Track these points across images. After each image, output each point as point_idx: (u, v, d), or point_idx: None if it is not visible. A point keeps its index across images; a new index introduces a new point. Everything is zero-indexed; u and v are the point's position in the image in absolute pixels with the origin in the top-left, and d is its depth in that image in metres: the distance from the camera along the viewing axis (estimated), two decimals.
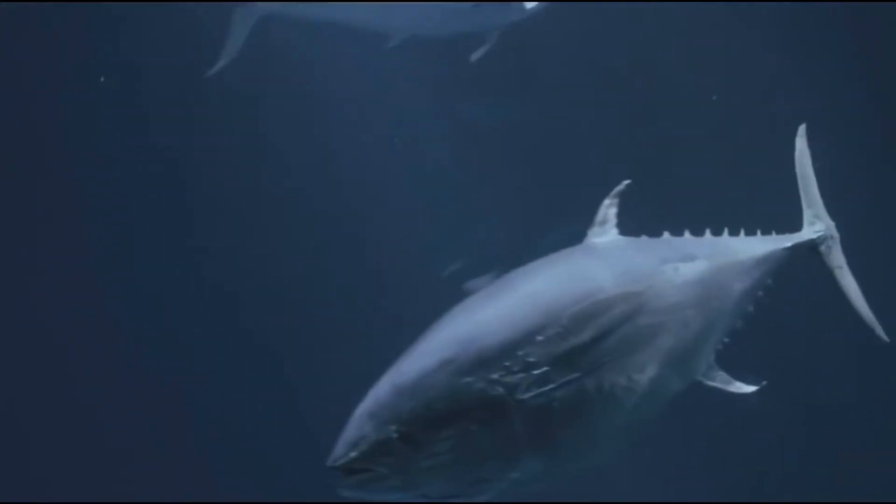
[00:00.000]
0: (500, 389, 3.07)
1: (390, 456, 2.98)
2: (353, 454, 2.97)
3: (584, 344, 3.21)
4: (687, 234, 3.85)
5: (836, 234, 4.38)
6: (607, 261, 3.51)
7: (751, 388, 3.65)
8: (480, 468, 3.08)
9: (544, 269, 3.44)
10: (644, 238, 3.76)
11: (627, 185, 3.72)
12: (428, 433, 3.00)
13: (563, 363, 3.16)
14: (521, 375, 3.09)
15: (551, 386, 3.12)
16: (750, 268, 3.87)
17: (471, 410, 3.03)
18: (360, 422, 3.03)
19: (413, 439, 2.98)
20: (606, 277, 3.38)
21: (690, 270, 3.61)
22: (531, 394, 3.10)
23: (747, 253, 3.90)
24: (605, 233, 3.66)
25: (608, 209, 3.70)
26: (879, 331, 4.32)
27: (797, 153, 4.47)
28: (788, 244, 4.12)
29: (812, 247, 4.30)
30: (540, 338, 3.15)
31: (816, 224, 4.35)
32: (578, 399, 3.18)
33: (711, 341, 3.70)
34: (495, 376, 3.07)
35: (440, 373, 3.05)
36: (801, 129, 4.48)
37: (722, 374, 3.70)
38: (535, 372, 3.11)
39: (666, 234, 3.79)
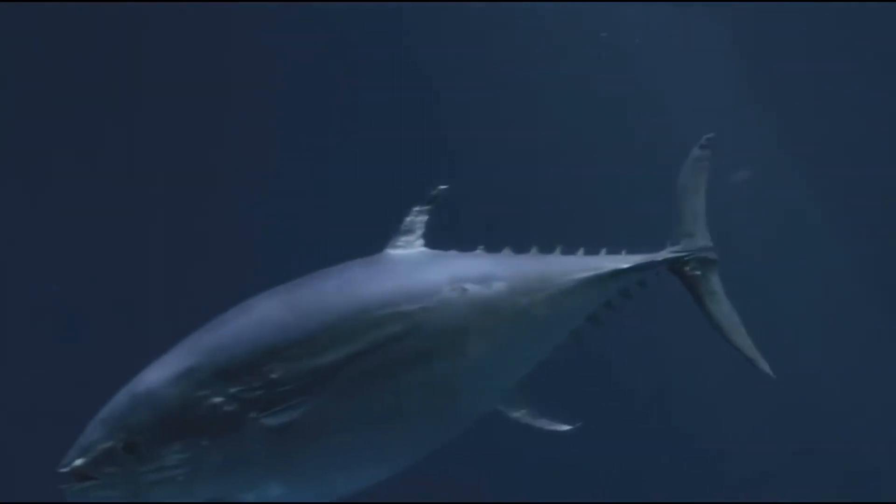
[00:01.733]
0: (236, 406, 2.90)
1: (115, 466, 2.86)
2: (79, 461, 2.87)
3: (339, 363, 3.00)
4: (507, 251, 3.50)
5: (712, 257, 3.85)
6: (390, 275, 3.26)
7: (564, 427, 3.32)
8: (213, 486, 2.92)
9: (318, 281, 3.22)
10: (452, 253, 3.44)
11: (441, 192, 3.43)
12: (154, 446, 2.86)
13: (311, 382, 2.96)
14: (260, 392, 2.92)
15: (292, 405, 2.93)
16: (569, 293, 3.47)
17: (202, 426, 2.88)
18: (92, 428, 2.93)
19: (138, 450, 2.86)
20: (380, 293, 3.15)
21: (482, 293, 3.28)
22: (269, 412, 2.92)
23: (570, 276, 3.48)
24: (408, 244, 3.38)
25: (416, 217, 3.41)
26: (763, 365, 3.74)
27: (691, 163, 3.94)
28: (625, 266, 3.62)
29: (672, 269, 3.79)
30: (289, 353, 2.96)
31: (682, 243, 3.83)
32: (323, 422, 2.98)
33: (507, 370, 3.37)
34: (233, 391, 2.91)
35: (176, 384, 2.91)
36: (705, 139, 3.96)
37: (528, 407, 3.37)
38: (278, 390, 2.93)
39: (479, 250, 3.47)
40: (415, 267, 3.31)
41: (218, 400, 2.90)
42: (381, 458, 3.15)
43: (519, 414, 3.36)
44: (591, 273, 3.53)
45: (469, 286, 3.26)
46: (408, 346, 3.10)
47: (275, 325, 3.02)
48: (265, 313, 3.08)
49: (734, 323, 3.80)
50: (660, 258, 3.76)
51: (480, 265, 3.38)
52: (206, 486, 2.92)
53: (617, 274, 3.58)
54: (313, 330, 3.01)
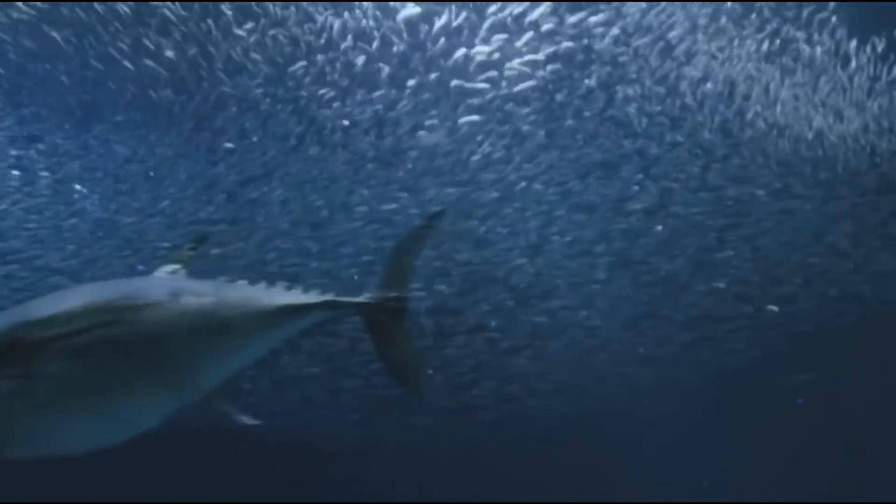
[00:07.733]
0: None
1: None
2: None
3: (60, 336, 3.61)
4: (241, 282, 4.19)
5: (403, 307, 4.37)
6: (131, 284, 4.09)
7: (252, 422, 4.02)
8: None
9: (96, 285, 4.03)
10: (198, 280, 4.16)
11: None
12: None
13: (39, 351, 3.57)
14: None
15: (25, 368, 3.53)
16: (267, 316, 4.08)
17: None
18: None
19: None
20: (109, 293, 3.83)
21: (192, 302, 3.93)
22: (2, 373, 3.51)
23: (272, 303, 4.11)
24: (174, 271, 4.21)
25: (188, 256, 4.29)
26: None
27: (416, 230, 4.59)
28: (316, 301, 4.24)
29: (358, 311, 4.38)
30: (29, 327, 3.60)
31: (379, 292, 4.37)
32: (52, 386, 3.58)
33: (202, 369, 3.91)
34: None
35: None
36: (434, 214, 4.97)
37: (226, 404, 4.03)
38: (14, 354, 3.54)
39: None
40: (157, 282, 4.06)
41: None
42: (104, 425, 3.72)
43: (217, 408, 3.98)
44: (289, 303, 4.17)
45: (185, 296, 3.91)
46: (115, 331, 3.70)
47: (32, 308, 3.72)
48: (39, 301, 3.81)
49: (413, 364, 4.45)
50: (347, 301, 4.36)
51: (204, 286, 4.05)
52: None
53: (307, 308, 4.23)
54: (53, 311, 3.67)
